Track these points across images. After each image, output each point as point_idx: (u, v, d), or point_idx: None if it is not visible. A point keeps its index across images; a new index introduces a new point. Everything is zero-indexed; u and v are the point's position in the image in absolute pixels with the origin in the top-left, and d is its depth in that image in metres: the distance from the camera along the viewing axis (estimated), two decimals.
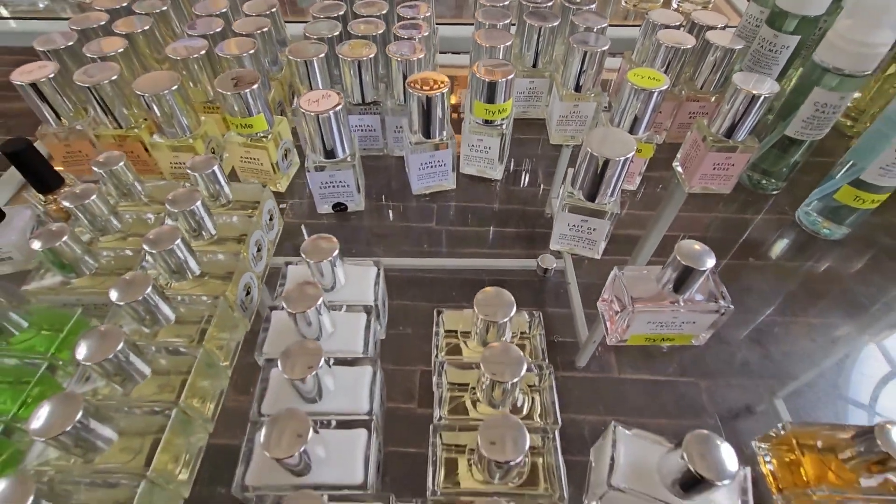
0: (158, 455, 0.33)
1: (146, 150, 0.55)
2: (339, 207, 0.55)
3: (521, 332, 0.40)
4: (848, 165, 0.47)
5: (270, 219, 0.51)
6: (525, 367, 0.31)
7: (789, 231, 0.54)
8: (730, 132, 0.50)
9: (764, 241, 0.54)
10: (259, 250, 0.48)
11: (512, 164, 0.63)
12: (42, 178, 0.49)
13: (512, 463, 0.28)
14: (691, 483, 0.28)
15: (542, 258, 0.50)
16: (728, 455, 0.27)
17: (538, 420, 0.35)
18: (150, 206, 0.48)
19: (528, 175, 0.62)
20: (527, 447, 0.28)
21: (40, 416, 0.30)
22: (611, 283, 0.43)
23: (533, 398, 0.36)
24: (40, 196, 0.50)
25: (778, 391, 0.42)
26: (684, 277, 0.37)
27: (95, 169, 0.45)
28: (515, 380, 0.31)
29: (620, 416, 0.38)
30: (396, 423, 0.40)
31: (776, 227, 0.55)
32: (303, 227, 0.55)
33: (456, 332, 0.40)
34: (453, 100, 0.73)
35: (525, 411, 0.35)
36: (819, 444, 0.34)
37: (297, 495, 0.27)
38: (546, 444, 0.33)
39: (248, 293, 0.45)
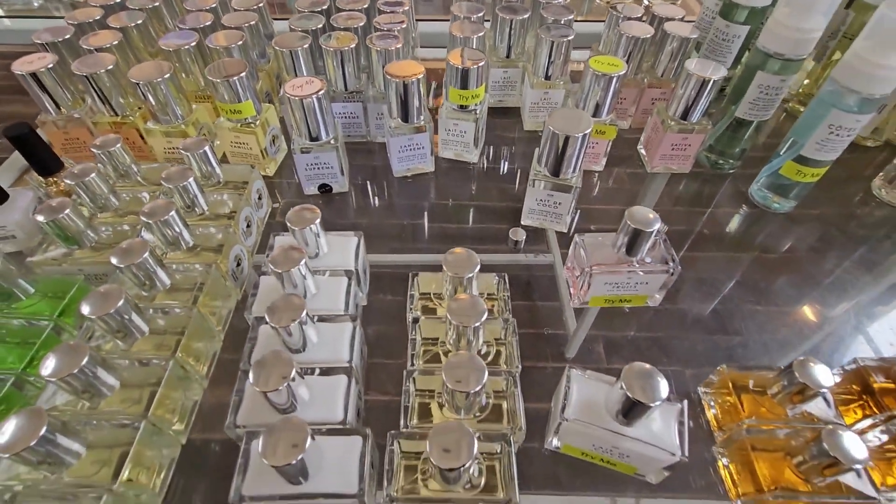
0: (156, 403, 0.36)
1: (141, 136, 0.59)
2: (325, 189, 0.59)
3: (489, 294, 0.44)
4: (790, 142, 0.51)
5: (259, 198, 0.54)
6: (486, 313, 0.35)
7: (744, 206, 0.59)
8: (685, 114, 0.55)
9: (722, 217, 0.58)
10: (249, 226, 0.51)
11: (491, 149, 0.67)
12: (43, 161, 0.52)
13: (470, 392, 0.31)
14: (629, 408, 0.31)
15: (513, 231, 0.53)
16: (661, 382, 0.31)
17: (503, 366, 0.38)
18: (146, 186, 0.52)
19: (506, 161, 0.66)
20: (485, 379, 0.32)
21: (50, 363, 0.33)
22: (573, 251, 0.47)
23: (499, 350, 0.40)
24: (41, 179, 0.53)
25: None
26: (634, 239, 0.41)
27: (94, 150, 0.48)
28: (477, 324, 0.34)
29: None
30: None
31: (733, 204, 0.59)
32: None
33: (429, 293, 0.44)
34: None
35: (490, 359, 0.39)
36: (751, 384, 0.38)
37: (282, 422, 0.30)
38: (508, 388, 0.37)
39: (238, 264, 0.48)
